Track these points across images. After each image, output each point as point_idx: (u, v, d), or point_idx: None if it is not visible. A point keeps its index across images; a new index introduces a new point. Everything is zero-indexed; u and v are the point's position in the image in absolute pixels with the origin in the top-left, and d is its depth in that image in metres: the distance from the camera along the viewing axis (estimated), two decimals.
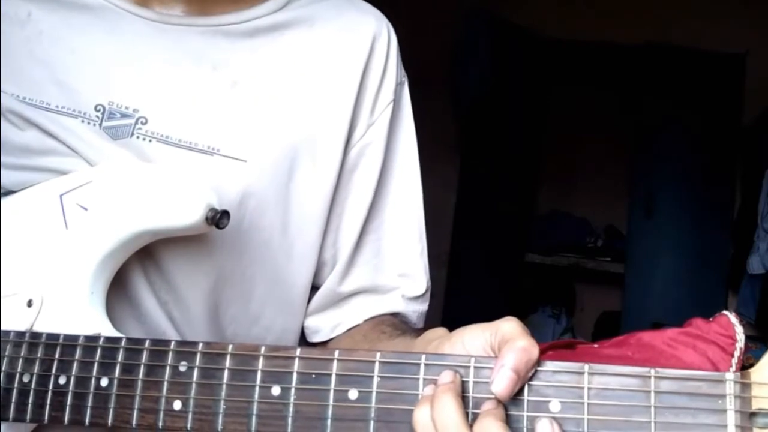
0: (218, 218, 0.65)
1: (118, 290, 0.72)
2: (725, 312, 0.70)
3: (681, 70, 3.67)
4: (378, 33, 0.81)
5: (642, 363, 0.66)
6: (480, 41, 3.73)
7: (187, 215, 0.65)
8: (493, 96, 3.73)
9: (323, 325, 0.84)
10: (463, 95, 3.77)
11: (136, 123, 0.71)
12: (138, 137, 0.71)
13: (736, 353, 0.67)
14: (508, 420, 0.51)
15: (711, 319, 0.70)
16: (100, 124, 0.71)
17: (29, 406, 0.62)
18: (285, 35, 0.78)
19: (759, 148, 3.49)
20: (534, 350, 0.51)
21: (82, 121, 0.71)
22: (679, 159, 3.65)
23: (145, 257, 0.72)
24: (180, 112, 0.72)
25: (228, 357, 0.58)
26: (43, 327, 0.66)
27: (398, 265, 0.84)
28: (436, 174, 3.60)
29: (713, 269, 3.57)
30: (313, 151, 0.77)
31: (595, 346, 0.74)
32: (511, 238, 3.88)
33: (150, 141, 0.71)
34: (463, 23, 3.75)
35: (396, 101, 0.82)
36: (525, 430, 0.51)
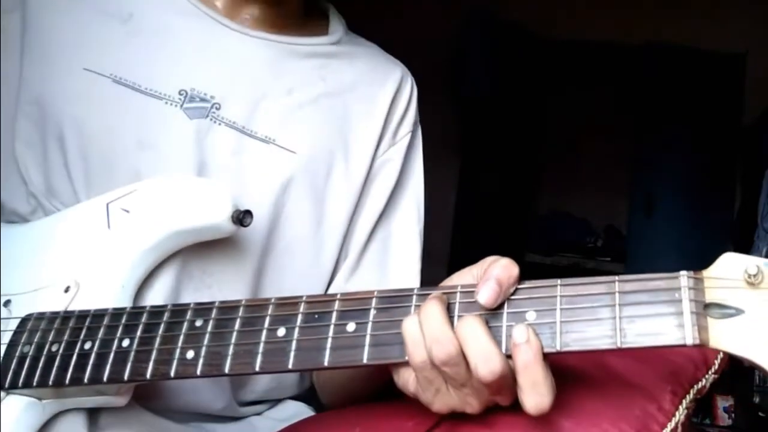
0: (242, 217, 0.73)
1: (155, 297, 0.76)
2: None
3: (681, 70, 3.67)
4: (404, 79, 0.97)
5: (630, 349, 0.67)
6: (481, 41, 3.74)
7: (215, 215, 0.73)
8: (493, 96, 3.73)
9: None
10: (463, 95, 3.78)
11: (212, 107, 0.83)
12: (211, 119, 0.83)
13: None
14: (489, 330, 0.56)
15: None
16: (181, 106, 0.82)
17: (54, 369, 0.66)
18: (333, 62, 0.93)
19: (759, 148, 3.50)
20: (515, 268, 0.58)
21: (166, 103, 0.82)
22: (679, 159, 3.66)
23: (186, 261, 0.78)
24: (247, 104, 0.85)
25: (241, 309, 0.63)
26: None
27: (399, 277, 0.92)
28: (436, 174, 3.59)
29: None
30: (347, 156, 0.90)
31: None
32: (511, 238, 3.89)
33: (220, 124, 0.83)
34: (463, 23, 3.76)
35: (413, 134, 0.97)
36: (504, 337, 0.56)
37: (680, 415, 0.61)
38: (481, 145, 3.86)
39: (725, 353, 0.67)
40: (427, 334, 0.56)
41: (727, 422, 3.37)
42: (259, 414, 0.89)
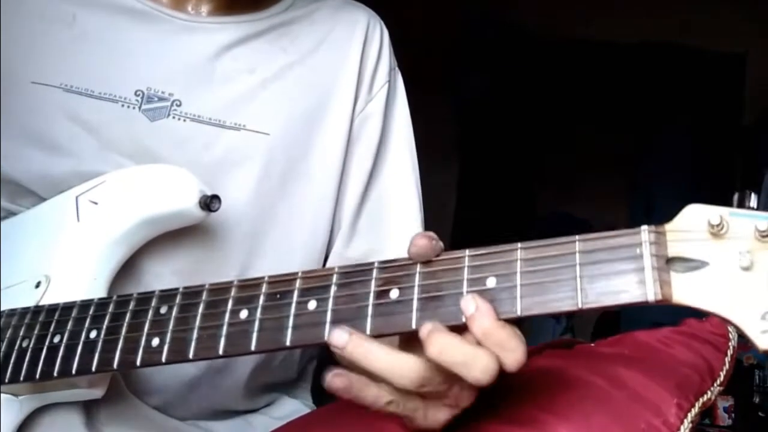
0: (209, 202, 0.72)
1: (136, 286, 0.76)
2: None
3: (681, 70, 3.67)
4: (372, 24, 0.93)
5: (638, 360, 0.67)
6: (480, 41, 3.74)
7: (182, 201, 0.73)
8: (492, 96, 3.73)
9: None
10: (463, 95, 3.78)
11: (172, 105, 0.81)
12: (174, 117, 0.81)
13: (729, 351, 0.68)
14: (447, 298, 0.54)
15: (704, 318, 0.71)
16: (140, 107, 0.80)
17: (25, 365, 0.66)
18: (292, 29, 0.89)
19: (759, 148, 3.50)
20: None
21: (122, 105, 0.80)
22: (679, 159, 3.65)
23: (166, 253, 0.77)
24: (209, 94, 0.82)
25: (204, 293, 0.62)
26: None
27: (399, 232, 0.90)
28: (436, 174, 3.59)
29: None
30: (325, 123, 0.87)
31: (592, 345, 0.75)
32: (512, 239, 3.87)
33: (185, 120, 0.81)
34: (462, 23, 3.76)
35: (390, 83, 0.93)
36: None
37: (685, 429, 0.61)
38: (481, 146, 3.85)
39: (729, 368, 0.67)
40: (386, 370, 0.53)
41: (727, 422, 3.36)
42: (255, 411, 0.89)
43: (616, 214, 3.98)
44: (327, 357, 0.87)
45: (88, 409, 0.73)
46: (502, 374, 0.52)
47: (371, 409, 0.55)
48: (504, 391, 0.57)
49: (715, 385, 0.66)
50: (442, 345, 0.51)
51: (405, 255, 0.87)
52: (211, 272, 0.79)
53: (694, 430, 0.62)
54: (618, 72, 3.87)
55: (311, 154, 0.86)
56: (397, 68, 0.95)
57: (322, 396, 0.94)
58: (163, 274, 0.77)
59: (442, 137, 3.68)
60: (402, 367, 0.53)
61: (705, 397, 0.64)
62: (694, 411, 0.63)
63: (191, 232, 0.77)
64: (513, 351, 0.52)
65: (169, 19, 0.84)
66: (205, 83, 0.83)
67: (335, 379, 0.54)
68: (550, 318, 3.97)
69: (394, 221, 0.90)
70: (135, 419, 0.76)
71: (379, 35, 0.93)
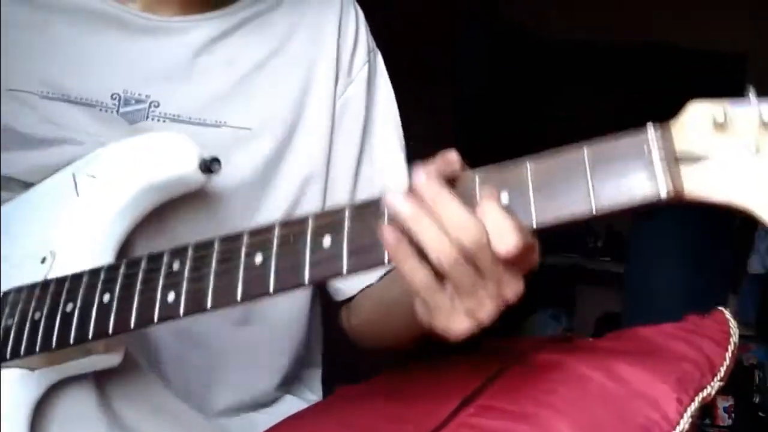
0: (210, 164, 0.71)
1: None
2: (720, 308, 0.71)
3: (681, 71, 3.67)
4: (345, 5, 0.92)
5: (637, 355, 0.67)
6: (480, 40, 3.74)
7: (182, 165, 0.72)
8: (492, 96, 3.73)
9: (339, 284, 0.89)
10: (462, 95, 3.78)
11: (150, 107, 0.81)
12: (153, 119, 0.81)
13: (730, 347, 0.68)
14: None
15: (706, 314, 0.71)
16: (117, 111, 0.80)
17: (39, 336, 0.66)
18: (264, 19, 0.88)
19: None
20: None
21: (100, 110, 0.80)
22: None
23: (161, 234, 0.77)
24: (187, 94, 0.82)
25: (216, 244, 0.62)
26: None
27: None
28: None
29: (714, 269, 3.56)
30: (307, 110, 0.87)
31: (591, 339, 0.75)
32: None
33: (164, 122, 0.81)
34: (463, 22, 3.76)
35: (370, 63, 0.92)
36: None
37: (684, 423, 0.61)
38: (481, 145, 3.85)
39: (729, 363, 0.67)
40: (448, 224, 0.53)
41: (727, 422, 3.36)
42: (257, 410, 0.89)
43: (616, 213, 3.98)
44: (335, 343, 0.88)
45: (102, 389, 0.73)
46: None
47: (404, 279, 0.54)
48: (503, 385, 0.57)
49: (715, 380, 0.65)
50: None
51: None
52: None
53: (693, 425, 0.62)
54: (618, 72, 3.87)
55: (296, 144, 0.86)
56: (376, 49, 0.94)
57: (332, 384, 0.95)
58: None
59: (441, 137, 3.67)
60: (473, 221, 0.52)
61: (705, 392, 0.64)
62: (694, 406, 0.62)
63: (186, 225, 0.77)
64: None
65: (142, 21, 0.84)
66: (182, 82, 0.82)
67: (388, 231, 0.53)
68: (551, 318, 3.97)
69: None
70: (148, 400, 0.76)
71: (354, 16, 0.92)
